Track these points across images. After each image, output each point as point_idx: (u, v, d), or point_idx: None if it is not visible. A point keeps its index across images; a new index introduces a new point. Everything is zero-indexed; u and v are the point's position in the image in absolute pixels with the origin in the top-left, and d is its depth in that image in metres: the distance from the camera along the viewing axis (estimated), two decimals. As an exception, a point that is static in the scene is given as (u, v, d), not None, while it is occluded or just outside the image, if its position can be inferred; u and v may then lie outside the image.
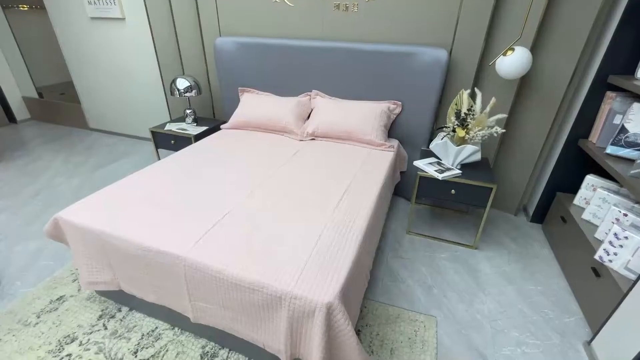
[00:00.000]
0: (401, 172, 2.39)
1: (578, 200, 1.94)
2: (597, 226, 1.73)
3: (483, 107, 1.87)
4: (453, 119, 1.90)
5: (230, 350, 1.39)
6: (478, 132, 1.81)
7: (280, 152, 2.05)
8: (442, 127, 2.00)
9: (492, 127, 1.83)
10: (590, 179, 1.87)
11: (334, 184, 1.68)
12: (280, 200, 1.51)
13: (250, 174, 1.76)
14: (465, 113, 1.85)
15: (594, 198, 1.75)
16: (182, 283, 1.22)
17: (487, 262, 1.95)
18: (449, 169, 1.92)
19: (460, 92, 1.91)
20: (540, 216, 2.29)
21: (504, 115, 1.85)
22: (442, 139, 1.97)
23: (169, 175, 1.72)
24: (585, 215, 1.80)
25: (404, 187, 2.50)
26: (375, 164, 1.93)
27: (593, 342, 1.42)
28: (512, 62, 1.73)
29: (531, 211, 2.34)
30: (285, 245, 1.22)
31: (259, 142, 2.23)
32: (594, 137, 1.87)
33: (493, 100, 1.80)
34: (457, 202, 1.94)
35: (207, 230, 1.28)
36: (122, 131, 3.78)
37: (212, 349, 1.40)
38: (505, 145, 2.25)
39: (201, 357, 1.36)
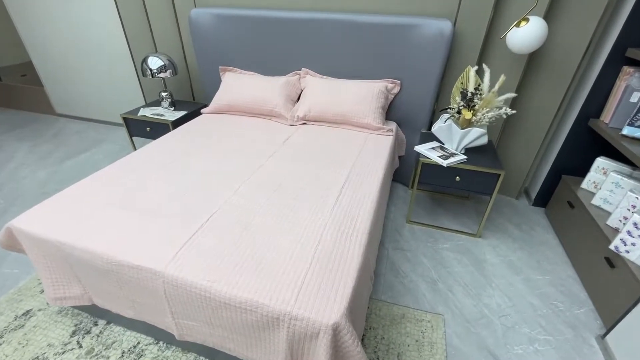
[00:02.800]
0: (399, 157, 2.23)
1: (586, 184, 1.84)
2: (608, 212, 1.64)
3: (491, 86, 1.70)
4: (458, 99, 1.74)
5: (222, 364, 1.26)
6: (486, 114, 1.66)
7: (269, 139, 1.85)
8: (446, 109, 1.83)
9: (500, 107, 1.67)
10: (600, 162, 1.76)
11: (331, 175, 1.51)
12: (272, 197, 1.34)
13: (237, 165, 1.56)
14: (471, 92, 1.68)
15: (605, 182, 1.65)
16: (162, 300, 1.06)
17: (492, 251, 1.86)
18: (453, 155, 1.78)
19: (467, 68, 1.74)
20: (543, 200, 2.20)
21: (514, 95, 1.69)
22: (445, 121, 1.81)
23: (143, 171, 1.51)
24: (596, 201, 1.71)
25: (402, 172, 2.36)
26: (375, 151, 1.76)
27: (607, 337, 1.35)
28: (527, 34, 1.55)
29: (533, 195, 2.25)
30: (281, 253, 1.06)
31: (245, 128, 2.01)
32: (607, 116, 1.75)
33: (502, 77, 1.64)
34: (461, 189, 1.81)
35: (188, 238, 1.11)
36: (93, 116, 3.46)
37: (201, 364, 1.26)
38: (509, 124, 2.11)
39: (190, 375, 1.23)
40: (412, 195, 1.94)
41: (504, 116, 1.64)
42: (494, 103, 1.67)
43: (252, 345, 1.02)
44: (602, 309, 1.48)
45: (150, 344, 1.33)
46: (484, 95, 1.67)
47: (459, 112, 1.74)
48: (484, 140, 1.73)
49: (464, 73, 1.75)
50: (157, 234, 1.13)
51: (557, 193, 2.06)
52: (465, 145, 1.78)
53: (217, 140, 1.84)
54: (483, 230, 2.00)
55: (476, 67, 1.71)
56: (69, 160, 2.70)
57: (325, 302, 0.91)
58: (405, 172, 2.35)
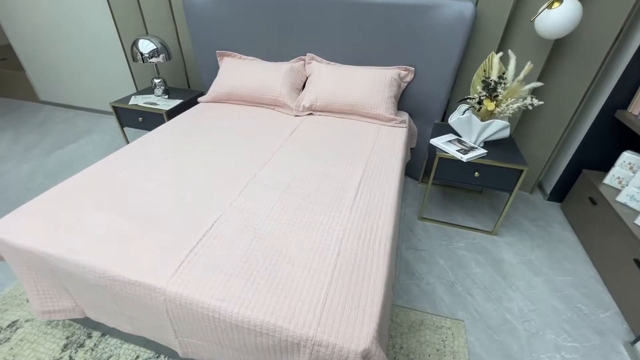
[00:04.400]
0: (410, 149, 2.11)
1: (610, 179, 1.74)
2: (636, 211, 1.55)
3: (516, 74, 1.57)
4: (479, 88, 1.60)
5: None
6: (510, 105, 1.53)
7: (273, 132, 1.71)
8: (465, 99, 1.70)
9: (525, 97, 1.55)
10: (627, 156, 1.66)
11: (344, 172, 1.38)
12: (281, 198, 1.21)
13: (240, 162, 1.43)
14: (495, 81, 1.55)
15: (634, 178, 1.55)
16: (164, 318, 0.94)
17: (509, 249, 1.77)
18: (472, 149, 1.66)
19: (490, 55, 1.60)
20: (559, 195, 2.11)
21: (540, 84, 1.56)
22: (464, 112, 1.68)
23: (137, 168, 1.36)
24: (621, 198, 1.61)
25: (411, 165, 2.24)
26: (389, 144, 1.64)
27: (638, 344, 1.28)
28: (559, 16, 1.41)
29: (549, 189, 2.16)
30: (297, 265, 0.94)
31: (247, 119, 1.86)
32: (636, 108, 1.63)
33: (529, 65, 1.51)
34: (479, 185, 1.70)
35: (192, 248, 0.98)
36: (80, 104, 3.25)
37: (208, 380, 1.16)
38: (528, 114, 1.99)
39: (196, 393, 1.12)
40: (426, 191, 1.83)
41: (530, 107, 1.52)
42: (519, 93, 1.54)
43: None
44: (628, 313, 1.41)
45: (150, 358, 1.22)
46: (508, 85, 1.54)
47: (479, 103, 1.62)
48: (505, 133, 1.61)
49: (487, 60, 1.61)
50: (156, 243, 1.00)
51: (575, 188, 1.96)
52: (485, 139, 1.66)
53: (216, 132, 1.69)
54: (499, 227, 1.90)
55: (500, 54, 1.58)
56: (55, 152, 2.52)
57: (353, 324, 0.80)
58: (415, 165, 2.23)
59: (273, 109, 1.99)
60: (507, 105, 1.53)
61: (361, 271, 0.93)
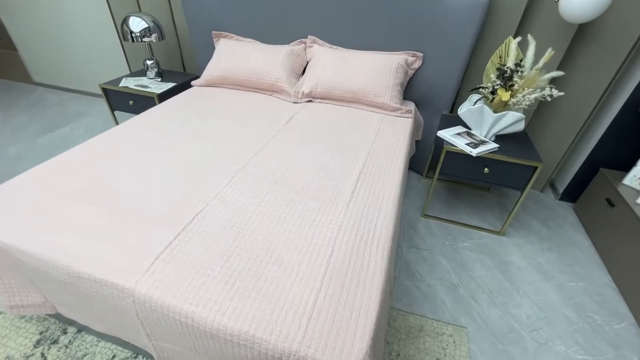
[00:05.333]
0: (415, 142, 1.99)
1: (630, 179, 1.61)
2: (659, 214, 1.43)
3: (535, 61, 1.43)
4: (493, 76, 1.47)
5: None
6: (528, 95, 1.40)
7: (269, 119, 1.59)
8: (477, 88, 1.57)
9: (543, 88, 1.41)
10: (652, 155, 1.53)
11: (343, 164, 1.27)
12: (272, 190, 1.10)
13: (231, 150, 1.32)
14: (511, 69, 1.41)
15: (658, 180, 1.43)
16: (134, 320, 0.84)
17: (517, 251, 1.66)
18: (483, 142, 1.53)
19: (507, 40, 1.46)
20: (572, 194, 1.98)
21: (561, 73, 1.42)
22: (475, 103, 1.55)
23: (120, 154, 1.26)
24: (643, 200, 1.49)
25: (415, 159, 2.12)
26: (392, 136, 1.52)
27: (657, 360, 1.17)
28: (588, -3, 1.27)
29: (561, 188, 2.03)
30: (284, 268, 0.84)
31: (241, 104, 1.74)
32: (664, 102, 1.49)
33: (550, 52, 1.37)
34: (488, 182, 1.58)
35: (168, 244, 0.88)
36: (74, 86, 3.13)
37: (188, 385, 1.07)
38: (543, 107, 1.85)
39: (174, 398, 1.04)
40: (431, 186, 1.71)
41: (549, 99, 1.38)
42: (537, 82, 1.41)
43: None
44: (646, 325, 1.30)
45: (127, 358, 1.13)
46: (525, 73, 1.41)
47: (493, 93, 1.48)
48: (520, 126, 1.48)
49: (503, 45, 1.48)
50: (129, 237, 0.90)
51: (591, 188, 1.84)
52: (497, 132, 1.54)
53: (208, 118, 1.57)
54: (506, 227, 1.79)
55: (518, 39, 1.44)
56: (44, 136, 2.43)
57: (343, 337, 0.70)
58: (419, 158, 2.11)
59: (270, 95, 1.87)
60: (523, 96, 1.40)
61: (355, 275, 0.83)
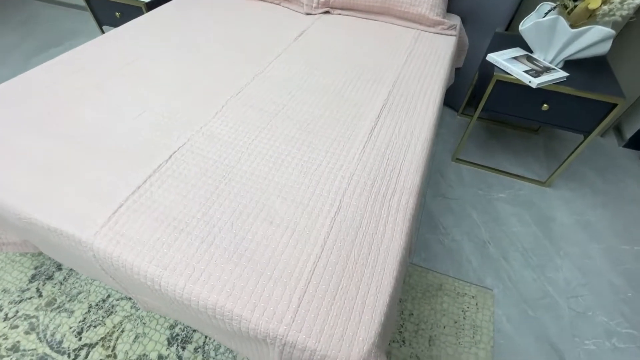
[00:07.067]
0: (455, 69, 1.63)
1: None
2: None
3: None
4: (581, -27, 1.05)
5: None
6: (626, 2, 1.00)
7: (274, 34, 1.29)
8: (553, -8, 1.16)
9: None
10: None
11: (362, 93, 1.00)
12: (270, 125, 0.88)
13: (224, 73, 1.07)
14: (611, -40, 0.99)
15: None
16: (103, 274, 0.72)
17: (563, 206, 1.41)
18: (547, 70, 1.18)
19: None
20: (643, 140, 1.63)
21: (685, -34, 0.99)
22: (546, 14, 1.16)
23: (90, 74, 1.04)
24: None
25: (451, 91, 1.78)
26: (429, 58, 1.19)
27: None
28: None
29: (629, 133, 1.67)
30: (277, 224, 0.66)
31: (242, 15, 1.42)
32: None
33: None
34: (546, 122, 1.27)
35: (135, 189, 0.71)
36: (70, 0, 2.80)
37: (183, 330, 1.02)
38: (629, 27, 1.41)
39: (169, 342, 0.99)
40: (469, 125, 1.42)
41: (659, 6, 0.98)
42: (647, -19, 0.99)
43: (234, 344, 0.72)
44: None
45: (122, 299, 1.08)
46: (630, -33, 0.99)
47: (575, -2, 1.08)
48: (604, 47, 1.10)
49: None
50: (89, 179, 0.73)
51: (673, 133, 1.48)
52: (570, 56, 1.17)
53: (200, 33, 1.28)
54: (555, 177, 1.52)
55: None
56: (38, 56, 2.21)
57: (345, 321, 0.54)
58: (456, 90, 1.76)
59: (278, 4, 1.51)
60: (621, 2, 1.01)
61: (367, 240, 0.64)
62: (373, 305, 0.56)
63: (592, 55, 1.14)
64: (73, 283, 1.11)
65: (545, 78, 1.14)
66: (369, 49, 1.22)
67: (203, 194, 0.71)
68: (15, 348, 0.97)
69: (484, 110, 1.32)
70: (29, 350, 0.97)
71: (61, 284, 1.11)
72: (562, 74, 1.16)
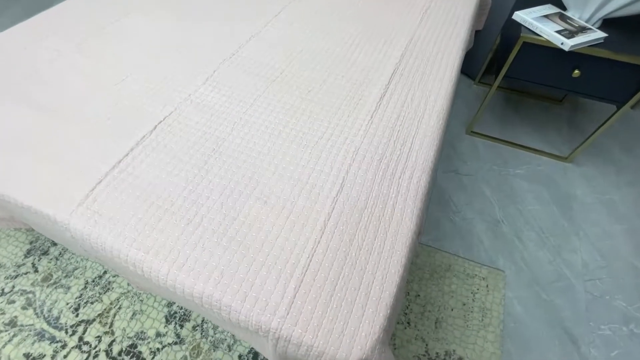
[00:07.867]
0: (475, 32, 1.47)
1: None
2: None
3: None
4: None
5: (206, 312, 0.98)
6: (688, -57, 0.84)
7: (273, -10, 1.15)
8: None
9: None
10: None
11: (372, 57, 0.89)
12: (266, 92, 0.79)
13: (216, 33, 0.96)
14: None
15: None
16: (87, 254, 0.67)
17: (585, 184, 1.32)
18: (583, 30, 1.04)
19: None
20: (679, 112, 1.49)
21: None
22: (587, -38, 1.00)
23: (68, 36, 0.94)
24: None
25: (469, 58, 1.63)
26: (447, 18, 1.06)
27: None
28: None
29: (664, 103, 1.52)
30: (271, 206, 0.59)
31: (239, -31, 1.27)
32: None
33: None
34: (575, 91, 1.15)
35: (115, 163, 0.64)
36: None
37: (181, 308, 0.99)
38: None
39: (166, 320, 0.97)
40: (487, 95, 1.30)
41: None
42: None
43: (229, 328, 0.68)
44: None
45: (118, 275, 1.05)
46: None
47: (625, -59, 0.92)
48: (652, 2, 0.96)
49: None
50: (66, 152, 0.66)
51: None
52: (610, 13, 1.02)
53: (192, -13, 1.15)
54: (578, 153, 1.40)
55: None
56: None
57: (346, 314, 0.48)
58: (474, 56, 1.62)
59: (279, -44, 1.35)
60: (682, -56, 0.85)
61: (373, 222, 0.57)
62: (378, 297, 0.50)
63: (636, 12, 1.00)
64: (69, 259, 1.09)
65: (580, 39, 1.00)
66: (379, 7, 1.08)
67: (190, 170, 0.63)
68: (12, 323, 0.96)
69: (506, 78, 1.19)
70: (26, 326, 0.96)
71: (57, 259, 1.08)
72: (600, 34, 1.02)
